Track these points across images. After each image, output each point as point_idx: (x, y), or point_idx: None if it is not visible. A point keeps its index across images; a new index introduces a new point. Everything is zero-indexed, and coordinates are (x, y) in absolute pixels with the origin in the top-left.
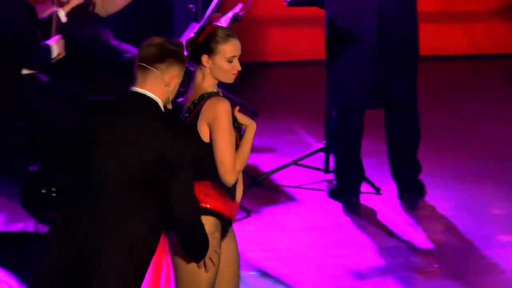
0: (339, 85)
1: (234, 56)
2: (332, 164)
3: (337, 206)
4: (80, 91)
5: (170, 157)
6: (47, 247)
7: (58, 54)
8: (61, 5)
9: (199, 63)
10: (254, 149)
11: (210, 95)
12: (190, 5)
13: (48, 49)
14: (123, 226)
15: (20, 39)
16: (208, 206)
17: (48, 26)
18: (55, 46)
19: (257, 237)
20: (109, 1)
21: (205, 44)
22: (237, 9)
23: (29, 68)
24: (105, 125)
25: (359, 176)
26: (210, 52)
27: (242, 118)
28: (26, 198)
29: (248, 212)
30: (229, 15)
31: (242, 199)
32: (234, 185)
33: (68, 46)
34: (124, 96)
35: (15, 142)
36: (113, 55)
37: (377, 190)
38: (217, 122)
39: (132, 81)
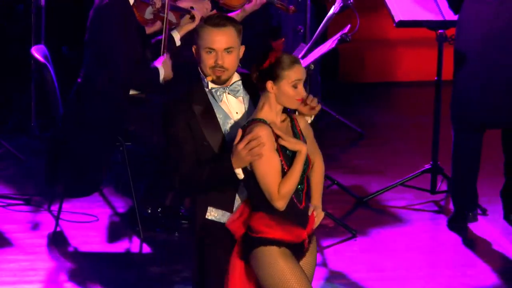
0: (468, 102)
1: (299, 81)
2: (439, 184)
3: (443, 227)
4: None
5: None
6: None
7: (166, 77)
8: (171, 25)
9: (263, 89)
10: (360, 170)
11: (254, 121)
12: (299, 26)
13: (156, 71)
14: None
15: (131, 58)
16: (268, 236)
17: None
18: (162, 68)
19: (362, 257)
20: None
21: (270, 70)
22: (345, 30)
23: (138, 89)
24: None
25: (475, 196)
26: (275, 78)
27: (291, 144)
28: (131, 217)
29: (354, 233)
30: (337, 36)
31: (348, 220)
32: (303, 211)
33: (177, 68)
34: None
35: (123, 161)
36: None
37: (483, 211)
38: None
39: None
